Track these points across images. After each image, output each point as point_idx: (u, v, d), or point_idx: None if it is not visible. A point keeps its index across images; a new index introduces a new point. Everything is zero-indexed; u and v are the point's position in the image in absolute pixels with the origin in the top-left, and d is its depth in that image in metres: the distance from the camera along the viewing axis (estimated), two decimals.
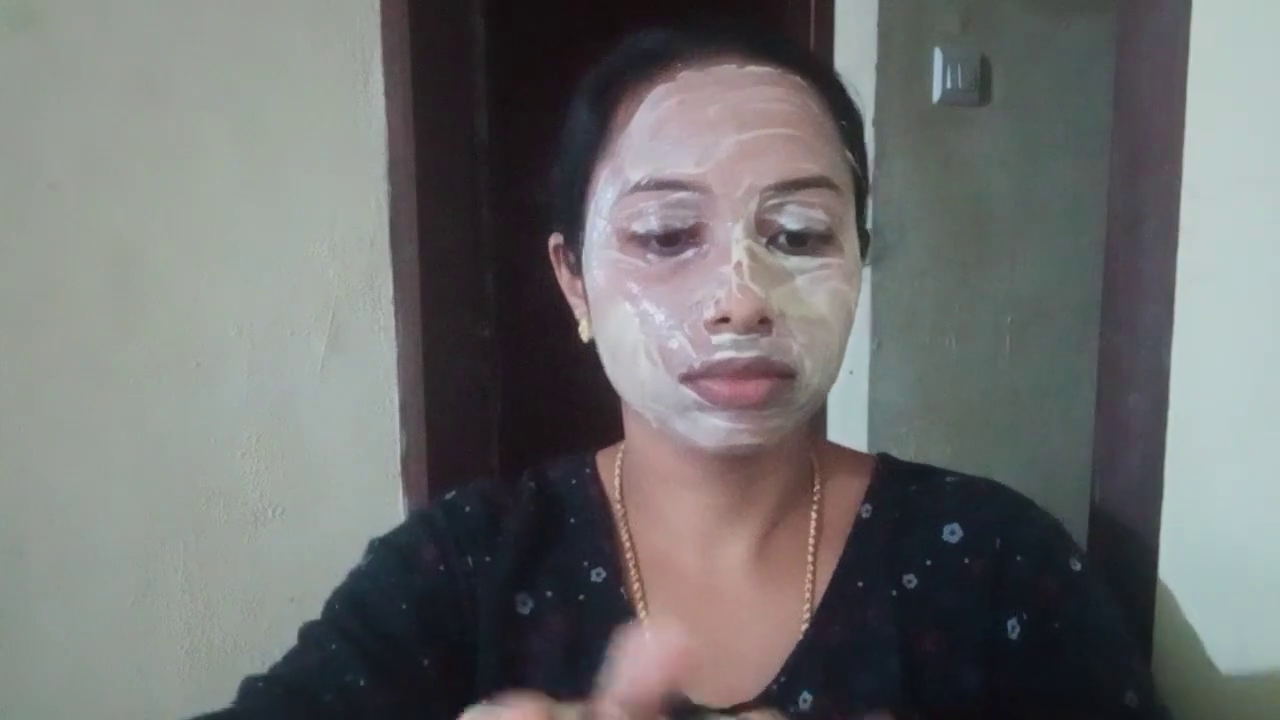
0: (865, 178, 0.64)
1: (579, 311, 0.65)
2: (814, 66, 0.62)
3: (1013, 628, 0.63)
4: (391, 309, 1.36)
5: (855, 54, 1.67)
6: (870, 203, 0.67)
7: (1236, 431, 0.72)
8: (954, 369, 1.77)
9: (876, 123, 1.65)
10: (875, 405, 1.72)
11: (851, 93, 0.65)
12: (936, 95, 1.68)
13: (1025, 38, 1.73)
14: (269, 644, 1.33)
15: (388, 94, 1.33)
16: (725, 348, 0.56)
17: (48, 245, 1.22)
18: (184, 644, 1.29)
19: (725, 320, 0.55)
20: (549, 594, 0.66)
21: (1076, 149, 1.73)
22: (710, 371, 0.56)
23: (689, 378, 0.57)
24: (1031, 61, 1.74)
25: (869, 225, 0.67)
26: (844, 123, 0.61)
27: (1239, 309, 0.72)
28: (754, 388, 0.56)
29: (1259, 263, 0.70)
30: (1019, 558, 0.64)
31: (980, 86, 1.71)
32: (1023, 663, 0.62)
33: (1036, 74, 1.74)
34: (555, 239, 0.67)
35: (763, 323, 0.56)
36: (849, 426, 1.73)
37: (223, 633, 1.31)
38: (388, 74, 1.32)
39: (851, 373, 1.73)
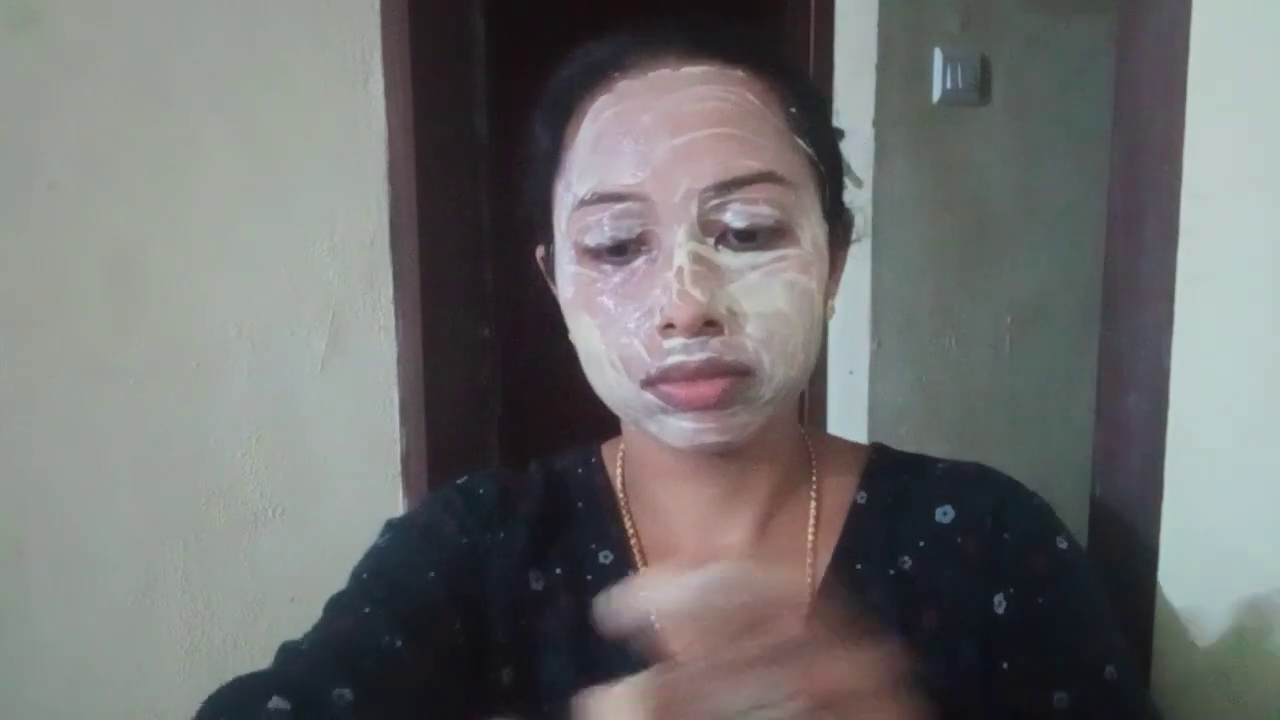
0: (829, 160, 0.63)
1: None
2: (757, 58, 0.61)
3: (999, 603, 0.64)
4: (391, 309, 1.36)
5: (855, 54, 1.67)
6: (848, 184, 0.67)
7: (1236, 431, 0.72)
8: (954, 369, 1.77)
9: (876, 123, 1.65)
10: (875, 405, 1.72)
11: (808, 78, 0.64)
12: (936, 95, 1.68)
13: (1025, 38, 1.73)
14: (269, 644, 1.32)
15: (388, 94, 1.33)
16: (676, 352, 0.57)
17: (48, 245, 1.22)
18: (184, 644, 1.29)
19: (672, 326, 0.56)
20: (558, 572, 0.67)
21: (1076, 149, 1.73)
22: (665, 376, 0.57)
23: (648, 383, 0.58)
24: (1031, 61, 1.74)
25: (852, 205, 0.67)
26: (793, 110, 0.61)
27: (1239, 309, 0.72)
28: (709, 388, 0.57)
29: (1259, 263, 0.70)
30: (1007, 535, 0.65)
31: (980, 86, 1.71)
32: (1008, 637, 0.63)
33: (1036, 74, 1.74)
34: (540, 251, 0.67)
35: (710, 325, 0.56)
36: (849, 426, 1.73)
37: (223, 633, 1.31)
38: (388, 74, 1.32)
39: (852, 373, 1.74)
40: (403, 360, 1.37)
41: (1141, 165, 0.79)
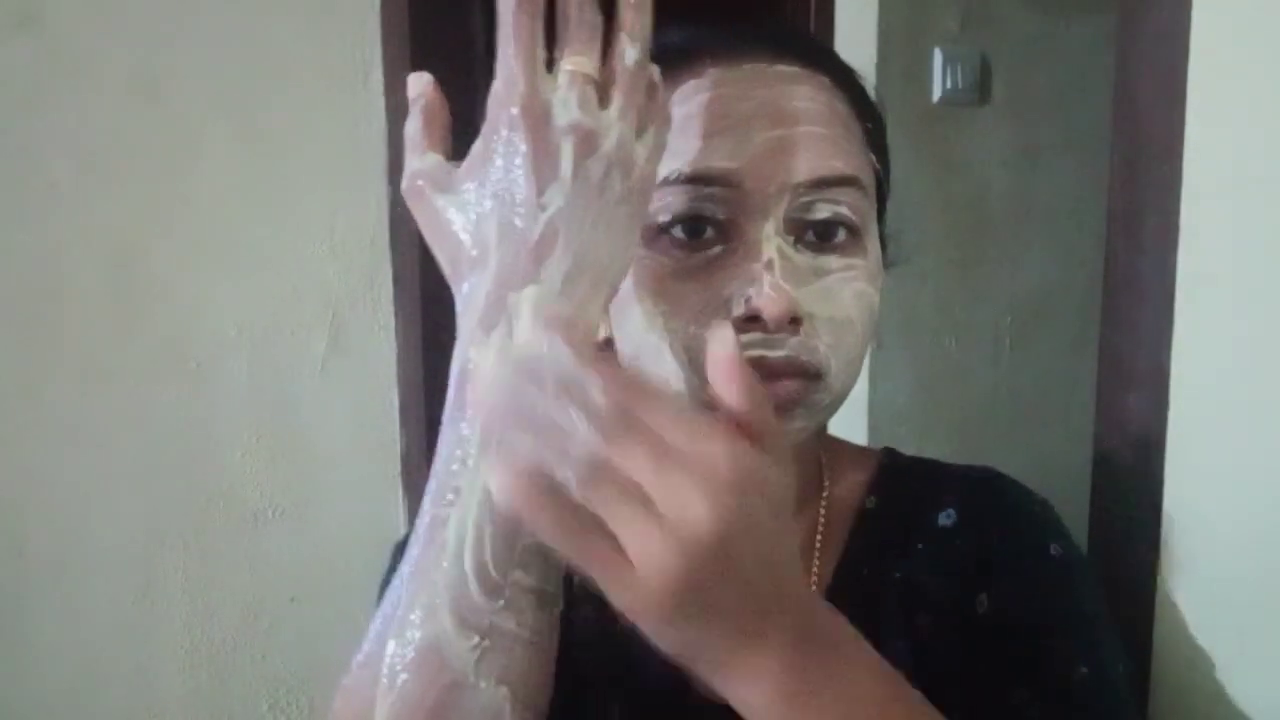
0: (886, 180, 0.64)
1: None
2: (839, 67, 0.61)
3: (981, 603, 0.64)
4: (391, 309, 1.36)
5: (855, 54, 1.65)
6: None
7: (1236, 431, 0.72)
8: (954, 369, 1.77)
9: None
10: (875, 405, 1.72)
11: (873, 94, 0.64)
12: (936, 95, 1.68)
13: (1025, 38, 1.73)
14: (269, 644, 1.33)
15: (388, 94, 1.33)
16: (755, 346, 0.55)
17: (48, 245, 1.22)
18: (184, 644, 1.29)
19: (755, 319, 0.55)
20: (577, 579, 0.66)
21: (1076, 149, 1.73)
22: None
23: None
24: (1031, 61, 1.74)
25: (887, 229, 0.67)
26: (868, 125, 0.61)
27: (1239, 309, 0.72)
28: (783, 388, 0.56)
29: (1259, 263, 0.70)
30: (999, 538, 0.65)
31: (980, 86, 1.70)
32: (983, 637, 0.63)
33: (1036, 74, 1.74)
34: None
35: (793, 322, 0.55)
36: (849, 427, 1.73)
37: (223, 633, 1.31)
38: (388, 74, 1.32)
39: None
40: (403, 360, 1.37)
41: (1141, 165, 0.79)
